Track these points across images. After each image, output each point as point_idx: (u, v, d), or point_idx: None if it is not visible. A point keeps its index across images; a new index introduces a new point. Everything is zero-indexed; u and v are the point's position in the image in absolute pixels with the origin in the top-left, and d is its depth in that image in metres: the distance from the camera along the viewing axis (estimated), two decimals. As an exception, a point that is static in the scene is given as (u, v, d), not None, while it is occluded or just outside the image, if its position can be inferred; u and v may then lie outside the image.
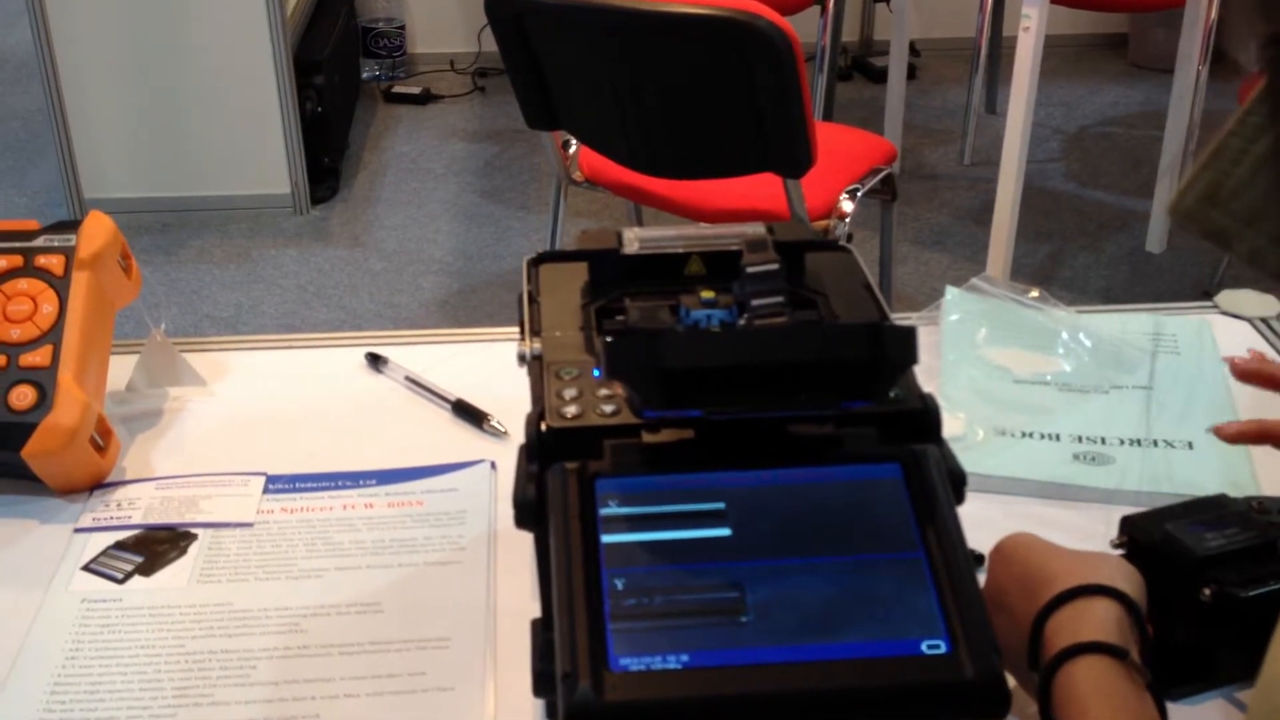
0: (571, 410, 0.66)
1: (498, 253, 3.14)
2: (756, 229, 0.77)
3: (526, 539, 0.83)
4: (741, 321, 0.71)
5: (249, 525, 0.86)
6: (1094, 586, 0.63)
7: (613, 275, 0.77)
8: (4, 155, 3.66)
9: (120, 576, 0.81)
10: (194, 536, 0.85)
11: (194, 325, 2.85)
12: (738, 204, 2.24)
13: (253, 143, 3.24)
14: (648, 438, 0.64)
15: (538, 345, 0.72)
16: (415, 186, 3.48)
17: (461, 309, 2.92)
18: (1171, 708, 0.71)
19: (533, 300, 0.76)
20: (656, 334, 0.67)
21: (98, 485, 0.89)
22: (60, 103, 3.13)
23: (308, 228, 3.27)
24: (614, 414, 0.65)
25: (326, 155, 3.40)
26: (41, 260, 0.89)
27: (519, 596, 0.80)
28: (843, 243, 0.81)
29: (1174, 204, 0.47)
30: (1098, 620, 0.62)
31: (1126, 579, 0.64)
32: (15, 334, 0.86)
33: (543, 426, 0.65)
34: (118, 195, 3.22)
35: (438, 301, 2.95)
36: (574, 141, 2.33)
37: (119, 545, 0.84)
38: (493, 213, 3.34)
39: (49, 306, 0.87)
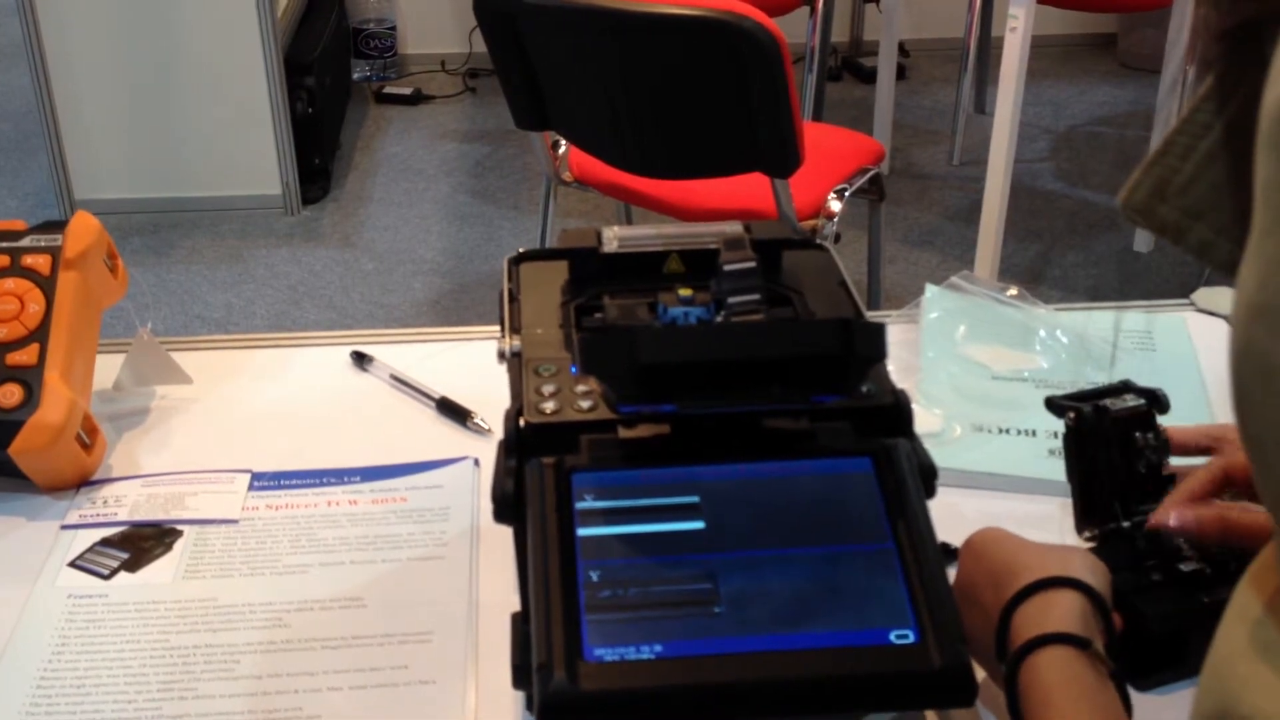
0: (549, 406, 0.67)
1: (488, 253, 3.15)
2: (734, 227, 0.79)
3: (508, 535, 0.84)
4: (718, 318, 0.72)
5: (234, 522, 0.87)
6: (1059, 579, 0.64)
7: (592, 273, 0.78)
8: (-5, 156, 3.67)
9: (106, 573, 0.82)
10: (180, 533, 0.86)
11: (185, 326, 2.86)
12: (726, 204, 2.25)
13: (244, 143, 3.24)
14: (624, 433, 0.65)
15: (517, 342, 0.73)
16: (406, 187, 3.49)
17: (452, 309, 2.93)
18: (1143, 698, 0.73)
19: (513, 298, 0.77)
20: (630, 330, 0.68)
21: (84, 483, 0.90)
22: (51, 104, 3.14)
23: (299, 228, 3.28)
24: (591, 409, 0.66)
25: (317, 156, 3.40)
26: (28, 260, 0.89)
27: (500, 591, 0.81)
28: (827, 242, 0.82)
29: (1124, 199, 0.48)
30: (1062, 612, 0.63)
31: (1092, 572, 0.65)
32: (2, 333, 0.87)
33: (521, 422, 0.66)
34: (109, 196, 3.23)
35: (429, 301, 2.96)
36: (563, 142, 2.34)
37: (105, 542, 0.85)
38: (483, 213, 3.35)
39: (35, 306, 0.88)
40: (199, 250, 3.17)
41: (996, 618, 0.65)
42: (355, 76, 4.09)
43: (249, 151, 3.25)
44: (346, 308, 2.93)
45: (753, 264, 0.73)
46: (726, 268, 0.73)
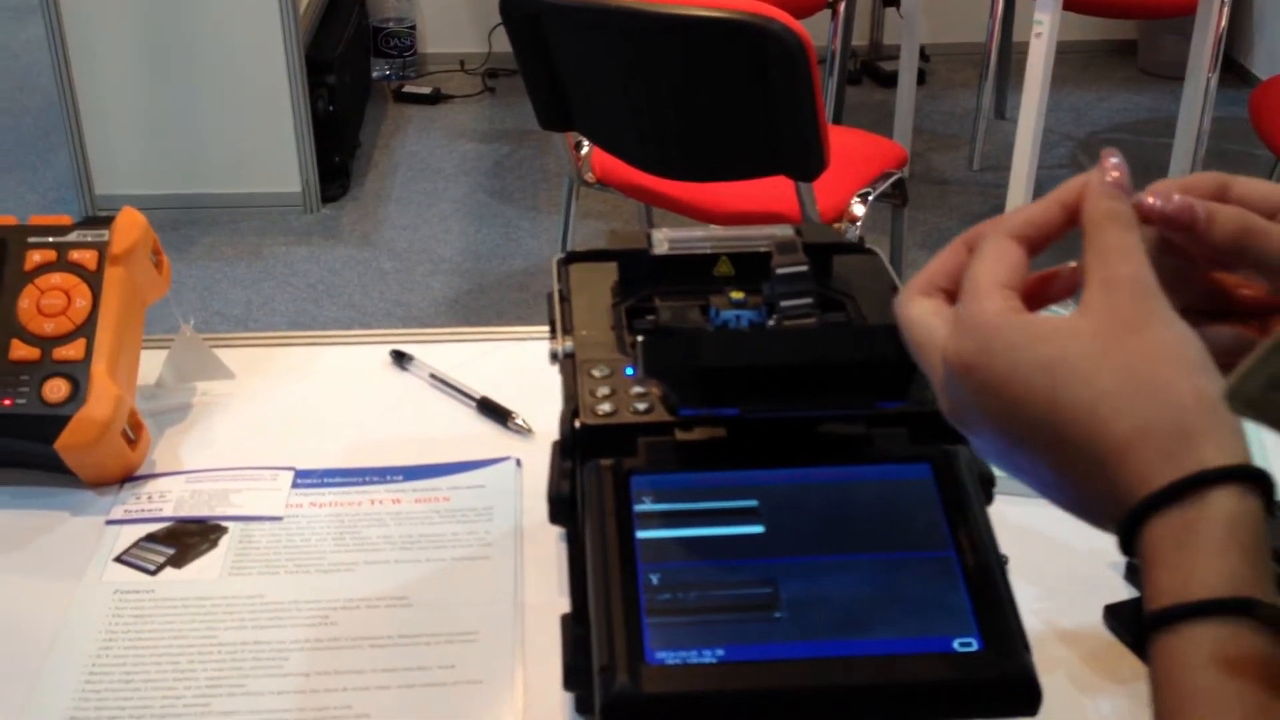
0: (605, 408, 0.67)
1: (507, 253, 3.15)
2: (785, 231, 0.78)
3: (553, 536, 0.84)
4: (771, 322, 0.72)
5: (278, 519, 0.87)
6: (1211, 473, 0.43)
7: (642, 275, 0.78)
8: (15, 151, 3.68)
9: (152, 568, 0.82)
10: (224, 529, 0.86)
11: (205, 322, 2.87)
12: (749, 206, 2.25)
13: (264, 141, 3.25)
14: (681, 435, 0.64)
15: (570, 344, 0.73)
16: (425, 186, 3.49)
17: (471, 308, 2.93)
18: None
19: (564, 299, 0.77)
20: (693, 334, 0.68)
21: (128, 478, 0.90)
22: (73, 99, 3.14)
23: (318, 226, 3.28)
24: (647, 412, 0.66)
25: (337, 154, 3.41)
26: (75, 255, 0.90)
27: (545, 592, 0.81)
28: (870, 245, 0.82)
29: (1233, 391, 0.41)
30: (1219, 547, 0.42)
31: (1233, 429, 0.44)
32: (49, 328, 0.87)
33: (577, 424, 0.66)
34: (129, 192, 3.23)
35: (447, 301, 2.96)
36: (586, 142, 2.34)
37: (150, 538, 0.85)
38: (502, 213, 3.36)
39: (82, 301, 0.88)
40: (218, 247, 3.17)
41: (1086, 494, 0.47)
42: (375, 75, 4.10)
43: (269, 149, 3.26)
44: (365, 306, 2.94)
45: (805, 267, 0.73)
46: (779, 271, 0.73)
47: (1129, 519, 0.45)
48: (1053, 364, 0.47)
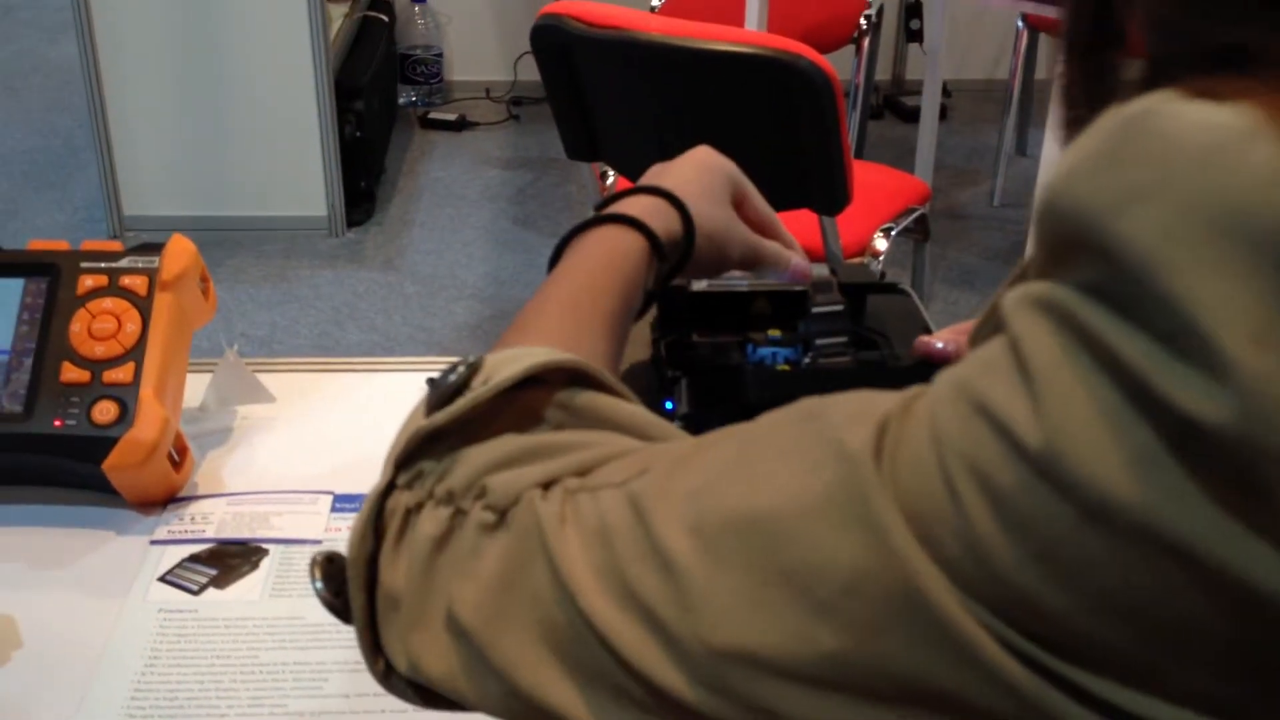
0: (646, 441, 0.68)
1: (530, 280, 3.18)
2: (821, 270, 0.81)
3: (587, 564, 0.85)
4: (806, 360, 0.74)
5: (318, 542, 0.89)
6: (655, 189, 0.73)
7: (680, 311, 0.80)
8: (45, 170, 3.72)
9: (196, 588, 0.84)
10: (265, 551, 0.88)
11: (228, 344, 2.89)
12: (772, 239, 2.27)
13: (292, 165, 3.29)
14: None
15: (611, 377, 0.75)
16: (449, 212, 3.52)
17: (493, 334, 2.95)
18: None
19: (604, 333, 0.79)
20: (737, 371, 0.70)
21: (172, 499, 0.92)
22: (104, 119, 3.19)
23: (343, 250, 3.31)
24: (687, 446, 0.68)
25: (363, 179, 3.44)
26: (126, 280, 0.92)
27: (580, 619, 0.83)
28: (903, 285, 0.84)
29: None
30: (639, 206, 0.71)
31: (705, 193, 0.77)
32: (99, 351, 0.89)
33: (618, 456, 0.68)
34: (157, 213, 3.27)
35: (470, 326, 2.98)
36: (612, 173, 2.37)
37: (193, 558, 0.87)
38: (525, 240, 3.39)
39: (132, 325, 0.91)
40: (244, 269, 3.20)
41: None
42: (401, 102, 4.14)
43: (297, 172, 3.30)
44: (389, 330, 2.96)
45: (841, 307, 0.75)
46: (815, 310, 0.75)
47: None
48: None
